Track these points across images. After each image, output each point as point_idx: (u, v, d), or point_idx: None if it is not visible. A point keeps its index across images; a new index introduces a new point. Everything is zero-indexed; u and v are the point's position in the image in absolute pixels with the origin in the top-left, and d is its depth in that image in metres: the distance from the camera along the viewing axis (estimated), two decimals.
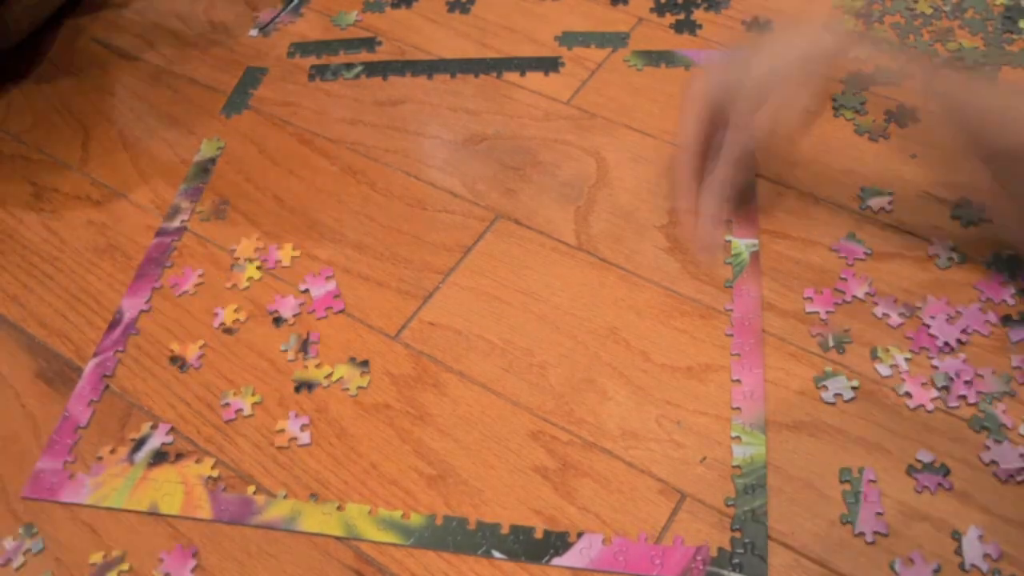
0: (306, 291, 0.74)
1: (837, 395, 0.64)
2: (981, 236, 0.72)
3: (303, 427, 0.66)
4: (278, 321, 0.72)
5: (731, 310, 0.69)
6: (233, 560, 0.60)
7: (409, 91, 0.88)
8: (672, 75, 0.87)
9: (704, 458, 0.62)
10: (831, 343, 0.67)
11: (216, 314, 0.73)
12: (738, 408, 0.64)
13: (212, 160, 0.84)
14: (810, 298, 0.69)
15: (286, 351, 0.70)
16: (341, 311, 0.72)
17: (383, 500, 0.62)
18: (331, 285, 0.74)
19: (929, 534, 0.58)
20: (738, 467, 0.62)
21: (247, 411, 0.67)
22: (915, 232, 0.73)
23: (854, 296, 0.69)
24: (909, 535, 0.58)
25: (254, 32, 0.96)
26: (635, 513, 0.60)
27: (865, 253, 0.72)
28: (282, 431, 0.66)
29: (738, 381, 0.65)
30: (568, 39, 0.91)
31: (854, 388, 0.64)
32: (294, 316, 0.72)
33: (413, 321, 0.71)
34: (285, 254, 0.76)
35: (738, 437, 0.63)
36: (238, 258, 0.76)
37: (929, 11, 0.89)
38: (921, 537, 0.58)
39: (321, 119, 0.87)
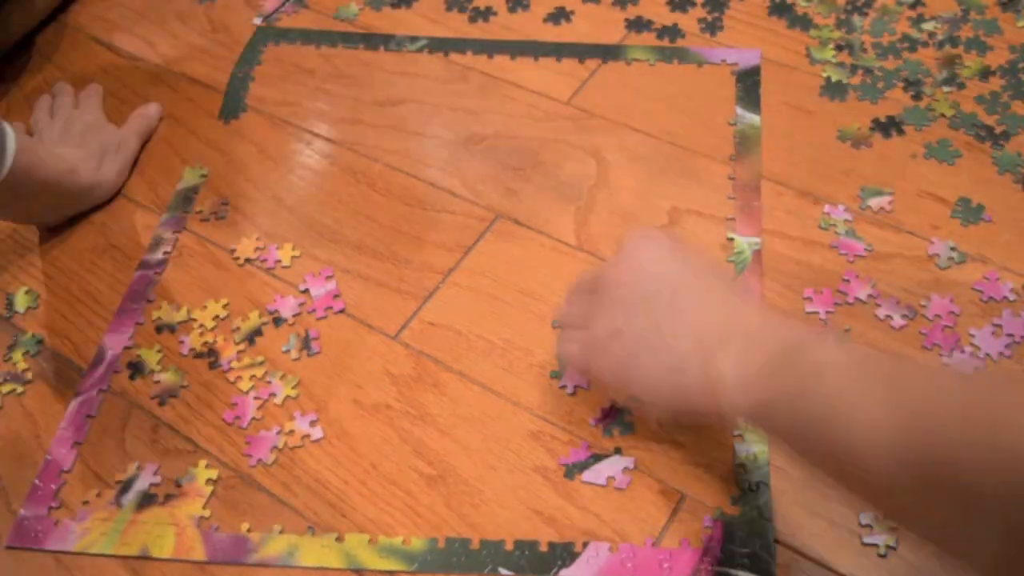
0: (306, 291, 0.74)
1: None
2: (981, 236, 0.72)
3: (312, 423, 0.66)
4: (278, 321, 0.72)
5: None
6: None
7: (409, 91, 0.88)
8: (673, 75, 0.86)
9: None
10: None
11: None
12: None
13: (195, 188, 0.82)
14: (809, 298, 0.69)
15: (288, 351, 0.70)
16: (341, 311, 0.72)
17: (383, 500, 0.62)
18: (331, 285, 0.74)
19: None
20: (741, 465, 0.62)
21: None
22: (915, 232, 0.73)
23: (856, 298, 0.69)
24: (909, 535, 0.58)
25: (257, 20, 0.96)
26: (635, 513, 0.60)
27: (865, 249, 0.72)
28: (292, 432, 0.66)
29: None
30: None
31: None
32: (294, 316, 0.72)
33: (413, 321, 0.71)
34: (285, 254, 0.76)
35: (740, 435, 0.63)
36: (238, 258, 0.76)
37: (919, 35, 0.87)
38: None
39: (321, 119, 0.87)
